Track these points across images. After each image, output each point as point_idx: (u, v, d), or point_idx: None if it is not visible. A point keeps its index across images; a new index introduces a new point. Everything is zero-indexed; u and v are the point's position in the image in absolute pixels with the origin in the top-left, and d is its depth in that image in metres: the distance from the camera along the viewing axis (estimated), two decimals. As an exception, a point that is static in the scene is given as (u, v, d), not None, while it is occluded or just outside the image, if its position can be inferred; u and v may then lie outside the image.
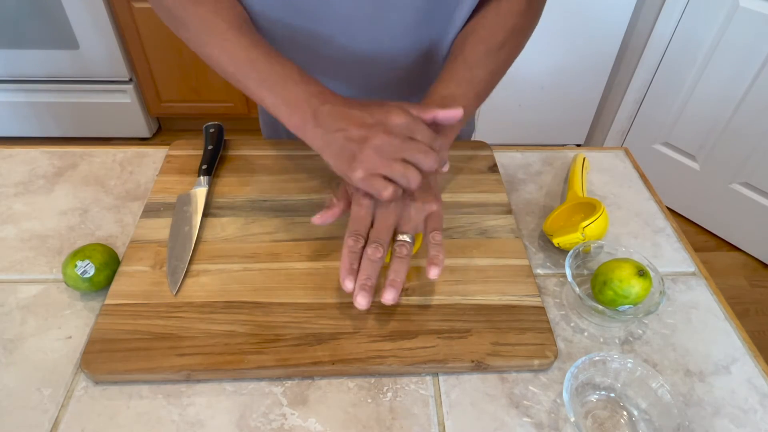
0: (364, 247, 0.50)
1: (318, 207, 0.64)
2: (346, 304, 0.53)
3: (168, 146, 0.73)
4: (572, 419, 0.43)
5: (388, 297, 0.48)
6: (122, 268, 0.56)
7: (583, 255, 0.58)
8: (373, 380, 0.49)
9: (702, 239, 1.79)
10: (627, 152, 0.78)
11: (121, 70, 1.86)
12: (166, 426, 0.46)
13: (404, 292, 0.55)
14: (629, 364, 0.47)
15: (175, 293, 0.54)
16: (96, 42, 1.78)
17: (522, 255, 0.59)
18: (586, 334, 0.54)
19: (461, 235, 0.61)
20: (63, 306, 0.54)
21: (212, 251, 0.58)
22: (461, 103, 0.55)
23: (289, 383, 0.49)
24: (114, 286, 0.54)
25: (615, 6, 1.70)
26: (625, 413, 0.48)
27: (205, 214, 0.62)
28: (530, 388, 0.49)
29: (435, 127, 0.53)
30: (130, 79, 1.91)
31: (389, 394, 0.48)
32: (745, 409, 0.49)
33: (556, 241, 0.59)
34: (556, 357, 0.50)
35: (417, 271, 0.57)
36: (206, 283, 0.55)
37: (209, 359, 0.48)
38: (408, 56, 0.66)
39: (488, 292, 0.55)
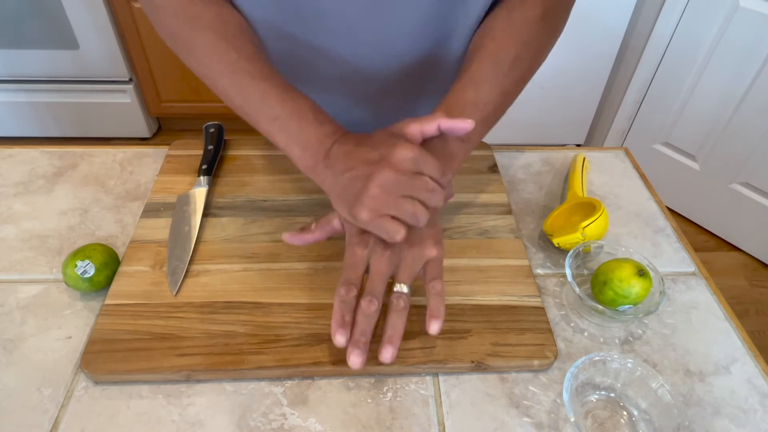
0: (357, 297, 0.46)
1: (318, 207, 0.64)
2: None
3: (168, 146, 0.73)
4: (572, 419, 0.43)
5: (386, 356, 0.45)
6: (122, 268, 0.56)
7: (583, 255, 0.58)
8: (373, 380, 0.49)
9: (702, 239, 1.79)
10: (627, 152, 0.78)
11: (121, 70, 1.86)
12: (166, 426, 0.46)
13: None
14: (629, 364, 0.47)
15: (175, 293, 0.54)
16: (96, 42, 1.78)
17: (522, 255, 0.59)
18: (586, 334, 0.54)
19: (461, 236, 0.61)
20: (63, 306, 0.54)
21: (212, 251, 0.58)
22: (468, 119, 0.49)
23: (289, 383, 0.49)
24: (114, 286, 0.54)
25: (615, 6, 1.70)
26: (625, 413, 0.48)
27: (205, 214, 0.62)
28: (530, 388, 0.49)
29: (443, 145, 0.50)
30: (130, 79, 1.91)
31: (389, 394, 0.48)
32: (745, 409, 0.49)
33: (556, 241, 0.59)
34: (556, 357, 0.50)
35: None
36: (206, 283, 0.55)
37: (209, 359, 0.48)
38: (412, 61, 0.64)
39: (488, 293, 0.55)
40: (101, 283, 0.54)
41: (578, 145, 2.09)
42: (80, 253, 0.54)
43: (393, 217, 0.44)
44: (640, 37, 1.74)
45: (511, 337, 0.51)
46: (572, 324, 0.55)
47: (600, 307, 0.52)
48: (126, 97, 1.95)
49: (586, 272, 0.58)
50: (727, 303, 0.58)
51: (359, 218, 0.45)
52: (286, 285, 0.55)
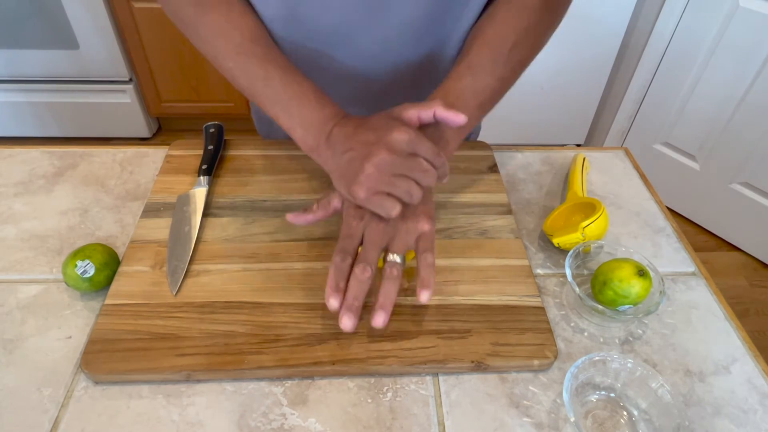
0: (352, 266, 0.48)
1: (318, 207, 0.64)
2: (346, 304, 0.53)
3: (168, 146, 0.73)
4: (572, 419, 0.43)
5: (378, 321, 0.46)
6: (122, 268, 0.56)
7: (583, 255, 0.58)
8: (373, 380, 0.49)
9: (702, 239, 1.79)
10: (627, 152, 0.78)
11: (121, 70, 1.86)
12: (166, 426, 0.46)
13: (404, 292, 0.55)
14: (629, 364, 0.47)
15: (175, 293, 0.54)
16: (96, 42, 1.78)
17: (522, 255, 0.59)
18: (586, 334, 0.54)
19: (461, 235, 0.61)
20: (63, 306, 0.54)
21: (212, 251, 0.58)
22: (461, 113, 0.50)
23: (289, 383, 0.49)
24: (114, 286, 0.54)
25: (615, 6, 1.70)
26: (625, 413, 0.48)
27: (205, 214, 0.62)
28: (530, 388, 0.49)
29: (439, 132, 0.52)
30: (130, 79, 1.91)
31: (389, 394, 0.48)
32: (745, 409, 0.49)
33: (555, 241, 0.59)
34: (556, 357, 0.50)
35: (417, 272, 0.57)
36: (206, 283, 0.55)
37: (209, 359, 0.48)
38: (412, 63, 0.65)
39: (488, 292, 0.55)
40: (101, 283, 0.54)
41: (578, 145, 2.09)
42: (80, 253, 0.54)
43: (389, 195, 0.47)
44: (640, 37, 1.74)
45: (511, 337, 0.51)
46: (572, 324, 0.55)
47: (600, 307, 0.52)
48: (126, 97, 1.95)
49: (586, 272, 0.58)
50: (727, 303, 0.58)
51: (357, 196, 0.47)
52: (286, 285, 0.55)
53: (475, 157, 0.72)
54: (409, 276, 0.56)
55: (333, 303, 0.47)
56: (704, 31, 1.54)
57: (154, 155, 0.73)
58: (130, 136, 2.07)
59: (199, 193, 0.64)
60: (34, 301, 0.55)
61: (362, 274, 0.47)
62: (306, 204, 0.64)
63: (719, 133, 1.62)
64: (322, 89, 0.54)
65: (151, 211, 0.63)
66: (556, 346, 0.51)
